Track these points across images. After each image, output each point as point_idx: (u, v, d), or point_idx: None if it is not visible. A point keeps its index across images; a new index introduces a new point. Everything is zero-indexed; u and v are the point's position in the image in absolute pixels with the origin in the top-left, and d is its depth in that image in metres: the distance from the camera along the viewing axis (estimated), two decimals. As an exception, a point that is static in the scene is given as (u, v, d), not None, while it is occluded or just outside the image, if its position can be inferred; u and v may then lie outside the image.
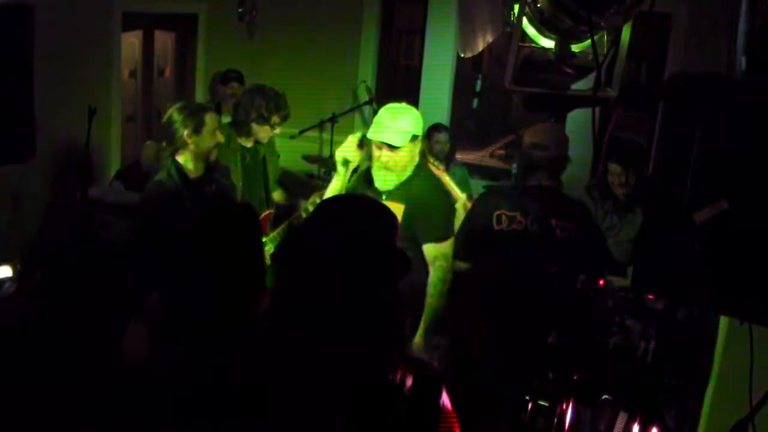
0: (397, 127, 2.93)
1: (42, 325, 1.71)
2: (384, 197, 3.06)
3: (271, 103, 3.68)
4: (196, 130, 3.15)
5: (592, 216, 3.12)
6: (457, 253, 3.04)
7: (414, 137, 2.97)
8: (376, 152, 2.99)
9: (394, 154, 2.95)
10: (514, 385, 2.89)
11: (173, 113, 3.17)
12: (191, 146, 3.17)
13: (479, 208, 3.06)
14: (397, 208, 2.98)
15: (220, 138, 3.26)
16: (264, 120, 3.70)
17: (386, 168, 2.98)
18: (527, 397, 2.87)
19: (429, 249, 3.00)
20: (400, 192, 3.04)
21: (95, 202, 4.35)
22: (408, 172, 3.04)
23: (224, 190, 3.36)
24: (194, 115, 3.16)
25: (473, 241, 3.03)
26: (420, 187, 3.04)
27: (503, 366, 2.94)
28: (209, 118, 3.19)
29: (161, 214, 3.02)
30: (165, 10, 5.52)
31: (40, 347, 1.67)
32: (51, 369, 1.65)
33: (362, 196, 2.53)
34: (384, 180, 3.01)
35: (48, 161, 4.35)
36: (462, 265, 3.08)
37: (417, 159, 3.07)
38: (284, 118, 3.78)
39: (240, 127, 3.78)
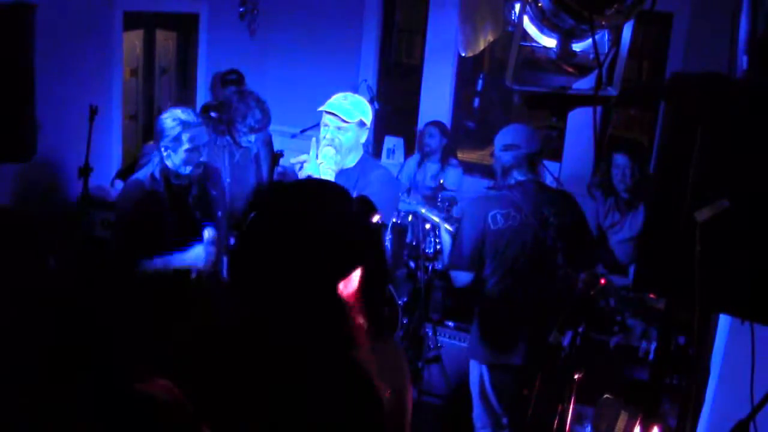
0: (348, 105, 2.98)
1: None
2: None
3: (253, 112, 3.72)
4: (169, 146, 2.95)
5: (578, 203, 3.16)
6: (463, 265, 3.07)
7: (362, 123, 2.99)
8: (322, 131, 3.00)
9: (340, 133, 2.96)
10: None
11: (165, 119, 2.98)
12: (166, 160, 2.98)
13: (473, 215, 3.08)
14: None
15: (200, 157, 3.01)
16: (241, 125, 3.74)
17: (331, 145, 2.96)
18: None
19: None
20: (348, 175, 3.01)
21: (95, 202, 4.35)
22: (351, 161, 3.02)
23: (206, 198, 3.17)
24: (172, 129, 2.94)
25: (477, 247, 3.05)
26: (373, 174, 3.01)
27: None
28: (185, 137, 2.94)
29: (136, 213, 2.95)
30: (166, 10, 5.52)
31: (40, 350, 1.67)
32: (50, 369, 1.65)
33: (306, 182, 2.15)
34: (325, 156, 2.95)
35: (48, 161, 4.35)
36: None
37: (361, 150, 3.07)
38: (257, 131, 3.80)
39: (226, 125, 3.82)
